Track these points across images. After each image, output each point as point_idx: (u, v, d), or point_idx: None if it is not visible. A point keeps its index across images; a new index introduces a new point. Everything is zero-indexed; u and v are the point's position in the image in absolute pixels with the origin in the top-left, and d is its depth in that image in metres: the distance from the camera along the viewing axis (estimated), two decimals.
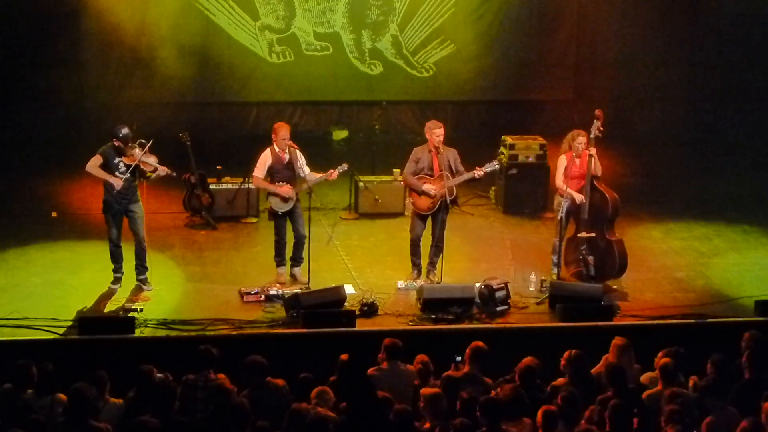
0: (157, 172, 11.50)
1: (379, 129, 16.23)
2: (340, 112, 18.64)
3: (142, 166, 11.40)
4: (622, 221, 12.55)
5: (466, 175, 11.81)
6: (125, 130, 11.36)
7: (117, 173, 11.30)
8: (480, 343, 9.05)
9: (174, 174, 12.08)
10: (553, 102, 18.68)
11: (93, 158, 11.35)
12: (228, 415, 7.95)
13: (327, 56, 18.20)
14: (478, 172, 11.79)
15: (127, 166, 11.32)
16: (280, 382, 8.77)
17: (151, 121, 16.65)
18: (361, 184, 14.38)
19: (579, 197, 11.83)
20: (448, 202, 11.75)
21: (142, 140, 11.43)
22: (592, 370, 9.27)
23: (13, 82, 16.92)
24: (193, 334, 10.51)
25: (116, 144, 11.32)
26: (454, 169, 11.80)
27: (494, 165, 12.02)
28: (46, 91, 16.92)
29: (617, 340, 9.37)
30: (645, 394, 8.74)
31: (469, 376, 8.89)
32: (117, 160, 11.33)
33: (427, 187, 11.77)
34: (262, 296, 11.44)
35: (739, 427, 7.89)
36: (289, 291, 11.46)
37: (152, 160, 11.49)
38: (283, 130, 11.82)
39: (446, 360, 9.27)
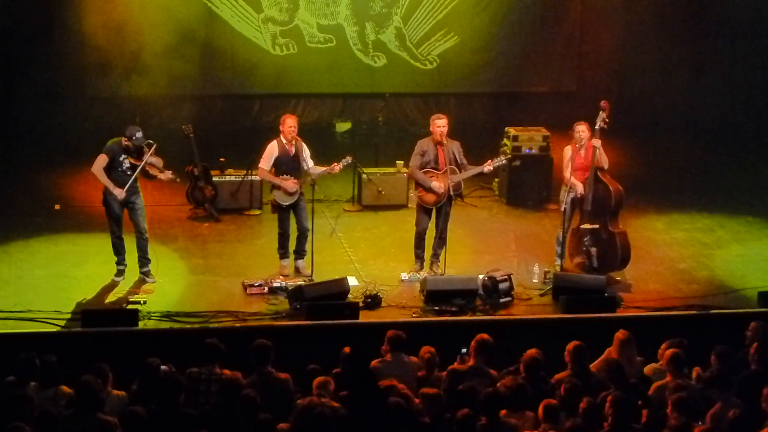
0: (159, 175, 11.48)
1: (383, 121, 16.23)
2: (344, 105, 18.61)
3: (147, 168, 11.38)
4: (626, 212, 12.52)
5: (476, 170, 11.84)
6: (139, 134, 11.24)
7: (121, 170, 11.27)
8: (486, 336, 9.02)
9: (177, 180, 12.08)
10: (557, 94, 18.62)
11: (99, 158, 11.24)
12: (237, 408, 7.95)
13: (330, 48, 18.16)
14: (488, 167, 11.84)
15: (133, 166, 11.29)
16: (283, 375, 8.76)
17: (153, 113, 16.69)
18: (364, 176, 14.36)
19: (580, 188, 11.81)
20: (452, 195, 11.76)
21: (150, 141, 11.40)
22: (595, 363, 9.26)
23: (16, 75, 16.91)
24: (196, 326, 10.52)
25: (126, 143, 11.28)
26: (459, 161, 11.80)
27: (502, 159, 12.42)
28: (49, 84, 16.90)
29: (620, 334, 9.33)
30: (653, 387, 8.72)
31: (475, 369, 8.87)
32: (123, 157, 11.29)
33: (435, 184, 11.73)
34: (266, 288, 11.44)
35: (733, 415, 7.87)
36: (292, 283, 11.45)
37: (158, 162, 11.47)
38: (290, 119, 11.88)
39: (449, 351, 9.28)
